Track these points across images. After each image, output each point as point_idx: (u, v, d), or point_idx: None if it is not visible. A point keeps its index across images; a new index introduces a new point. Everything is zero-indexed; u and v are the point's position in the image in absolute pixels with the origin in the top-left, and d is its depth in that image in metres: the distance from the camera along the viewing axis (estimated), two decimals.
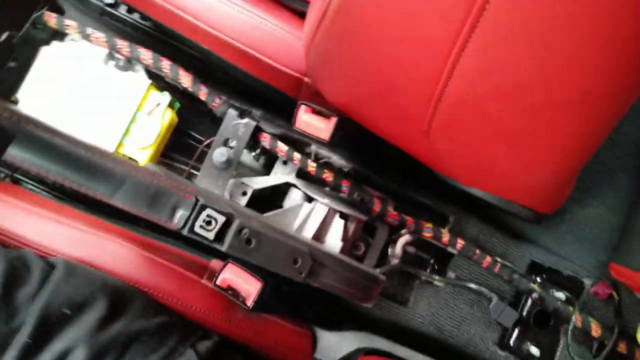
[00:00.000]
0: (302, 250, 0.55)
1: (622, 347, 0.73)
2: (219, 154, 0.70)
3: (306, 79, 0.66)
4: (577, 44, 0.39)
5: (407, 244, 0.77)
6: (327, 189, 0.75)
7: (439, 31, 0.42)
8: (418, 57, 0.45)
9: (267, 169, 0.80)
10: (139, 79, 0.72)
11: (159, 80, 0.74)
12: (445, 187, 0.64)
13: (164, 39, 0.74)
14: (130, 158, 0.72)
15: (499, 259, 0.75)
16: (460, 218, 0.78)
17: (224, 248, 0.51)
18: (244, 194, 0.74)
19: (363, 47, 0.48)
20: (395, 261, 0.78)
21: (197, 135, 0.80)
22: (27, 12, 0.71)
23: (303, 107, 0.65)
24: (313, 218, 0.70)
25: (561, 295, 0.75)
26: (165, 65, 0.71)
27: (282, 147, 0.72)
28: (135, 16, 0.74)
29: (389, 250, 0.78)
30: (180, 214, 0.49)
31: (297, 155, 0.72)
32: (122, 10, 0.74)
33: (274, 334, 0.67)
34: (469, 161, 0.55)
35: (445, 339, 0.75)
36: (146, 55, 0.70)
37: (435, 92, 0.46)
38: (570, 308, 0.74)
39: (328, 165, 0.75)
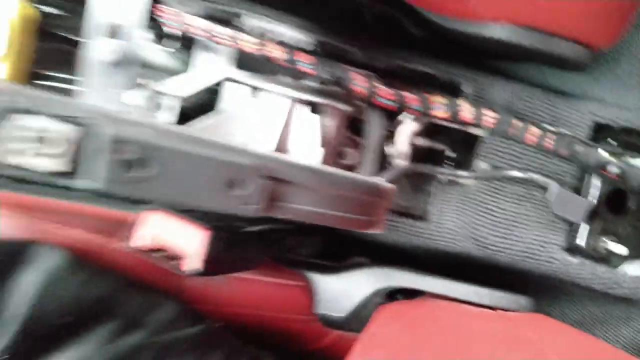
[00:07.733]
0: (243, 164, 0.31)
1: None
2: (107, 51, 0.45)
3: None
4: None
5: (415, 134, 0.54)
6: (285, 77, 0.51)
7: None
8: None
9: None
10: None
11: None
12: (448, 43, 0.45)
13: None
14: None
15: (549, 127, 0.52)
16: (478, 85, 0.54)
17: (89, 182, 0.27)
18: (170, 109, 0.50)
19: None
20: (401, 163, 0.54)
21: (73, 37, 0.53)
22: None
23: None
24: (268, 119, 0.46)
25: None
26: None
27: (195, 22, 0.47)
28: None
29: (389, 149, 0.55)
30: None
31: (223, 31, 0.47)
32: None
33: (250, 298, 0.46)
34: None
35: (490, 255, 0.53)
36: None
37: None
38: None
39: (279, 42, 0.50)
